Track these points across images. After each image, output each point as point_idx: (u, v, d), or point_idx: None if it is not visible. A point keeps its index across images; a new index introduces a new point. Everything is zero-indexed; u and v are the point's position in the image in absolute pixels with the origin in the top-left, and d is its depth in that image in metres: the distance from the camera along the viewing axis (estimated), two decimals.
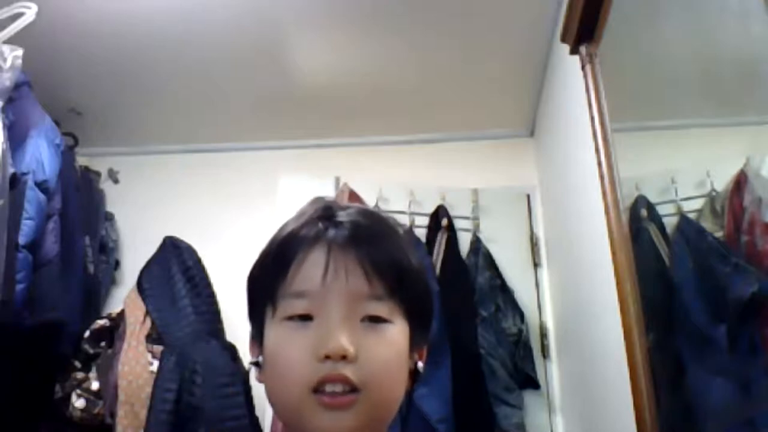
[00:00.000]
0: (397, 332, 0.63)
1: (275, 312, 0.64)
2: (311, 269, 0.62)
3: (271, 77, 2.27)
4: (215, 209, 2.53)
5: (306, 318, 0.62)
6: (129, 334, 1.96)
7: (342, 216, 0.66)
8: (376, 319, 0.62)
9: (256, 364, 0.66)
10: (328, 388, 0.59)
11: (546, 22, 1.96)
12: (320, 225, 0.65)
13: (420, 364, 0.68)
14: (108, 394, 1.88)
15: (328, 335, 0.60)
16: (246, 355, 2.07)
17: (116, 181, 2.64)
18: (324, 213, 0.66)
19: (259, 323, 0.66)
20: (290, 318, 0.62)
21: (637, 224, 1.14)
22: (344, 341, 0.59)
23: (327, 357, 0.59)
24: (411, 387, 0.67)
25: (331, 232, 0.64)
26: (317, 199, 0.70)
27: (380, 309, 0.62)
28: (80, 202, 2.18)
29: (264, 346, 0.65)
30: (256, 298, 0.68)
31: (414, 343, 0.66)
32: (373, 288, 0.62)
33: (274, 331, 0.64)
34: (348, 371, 0.59)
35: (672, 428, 1.03)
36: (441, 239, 2.22)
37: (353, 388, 0.59)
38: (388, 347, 0.62)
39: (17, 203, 1.74)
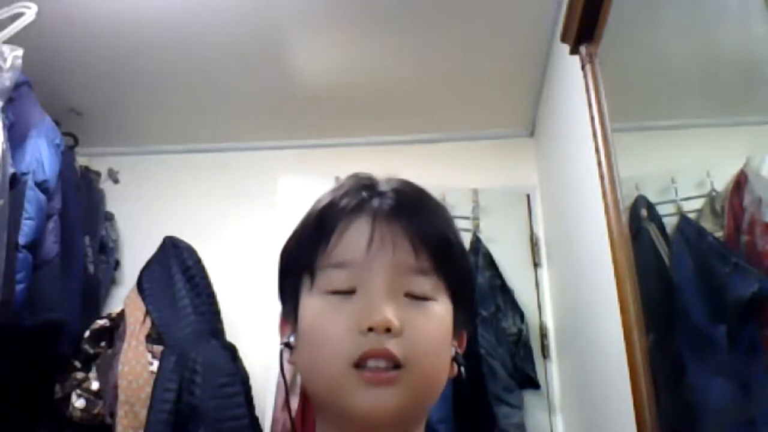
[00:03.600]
0: (441, 309, 0.60)
1: (313, 284, 0.60)
2: (355, 239, 0.59)
3: (271, 77, 2.27)
4: (215, 209, 2.53)
5: (347, 292, 0.59)
6: (129, 334, 1.96)
7: (385, 186, 0.63)
8: (420, 297, 0.59)
9: (288, 344, 0.63)
10: (371, 363, 0.55)
11: (546, 22, 1.96)
12: (364, 194, 0.62)
13: (459, 351, 0.64)
14: (108, 394, 1.88)
15: (372, 307, 0.57)
16: (246, 355, 2.09)
17: (116, 181, 2.64)
18: (367, 182, 0.64)
19: (294, 299, 0.63)
20: (331, 292, 0.59)
21: (637, 224, 1.14)
22: (389, 313, 0.56)
23: (370, 329, 0.56)
24: (454, 375, 0.63)
25: (376, 201, 0.61)
26: (355, 174, 0.67)
27: (425, 284, 0.59)
28: (80, 202, 2.18)
29: (299, 321, 0.61)
30: (290, 272, 0.64)
31: (456, 326, 0.62)
32: (420, 261, 0.59)
33: (312, 304, 0.60)
34: (392, 345, 0.55)
35: (672, 428, 1.03)
36: None
37: (396, 364, 0.55)
38: (434, 323, 0.59)
39: (17, 203, 1.74)
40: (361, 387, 0.55)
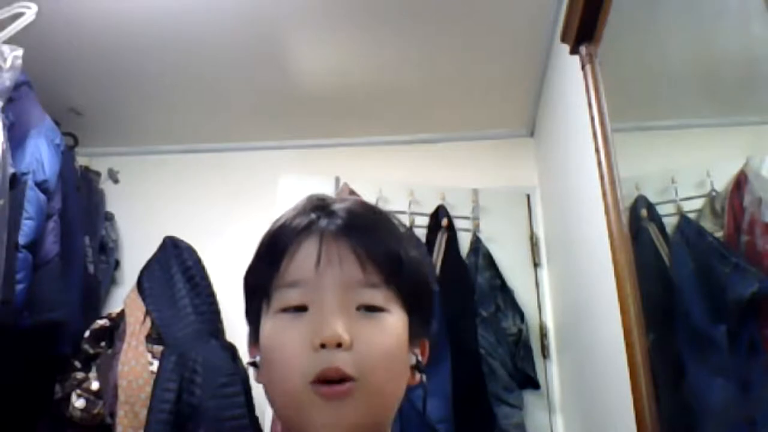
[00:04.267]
0: (394, 321, 0.62)
1: (270, 305, 0.63)
2: (304, 258, 0.62)
3: (271, 77, 2.28)
4: (215, 209, 2.53)
5: (300, 309, 0.61)
6: (129, 334, 1.96)
7: (336, 206, 0.65)
8: (371, 308, 0.61)
9: (254, 364, 0.65)
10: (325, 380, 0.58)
11: (546, 22, 1.96)
12: (312, 215, 0.64)
13: (421, 359, 0.66)
14: (108, 394, 1.88)
15: (323, 323, 0.59)
16: (246, 355, 2.08)
17: (116, 181, 2.64)
18: (318, 204, 0.66)
19: (256, 321, 0.65)
20: (285, 310, 0.61)
21: (637, 224, 1.14)
22: (339, 328, 0.58)
23: (322, 345, 0.58)
24: (416, 383, 0.65)
25: (323, 222, 0.63)
26: (311, 196, 0.69)
27: (375, 297, 0.61)
28: (80, 202, 2.18)
29: (260, 341, 0.63)
30: (251, 296, 0.67)
31: (413, 335, 0.64)
32: (368, 275, 0.61)
33: (269, 325, 0.62)
34: (342, 361, 0.57)
35: (672, 428, 1.03)
36: (441, 239, 2.22)
37: (349, 378, 0.57)
38: (385, 336, 0.61)
39: (17, 203, 1.74)
40: (319, 403, 0.57)
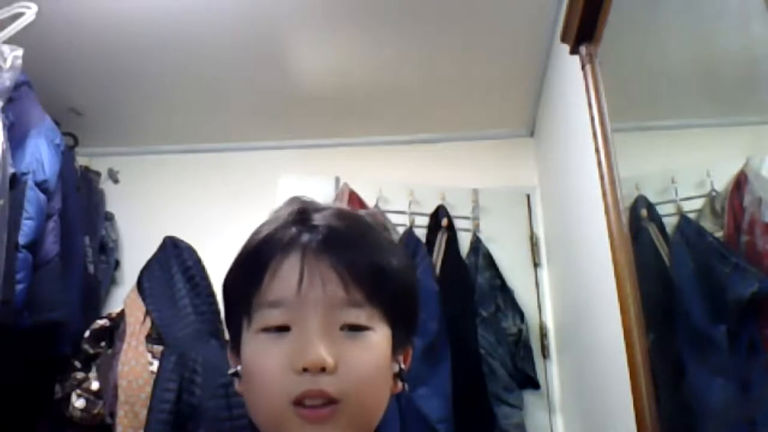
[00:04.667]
0: (378, 339, 0.61)
1: (250, 323, 0.61)
2: (286, 278, 0.60)
3: (271, 77, 2.28)
4: (215, 209, 2.53)
5: (282, 329, 0.59)
6: (129, 334, 1.95)
7: (317, 219, 0.63)
8: (355, 327, 0.60)
9: (236, 374, 0.64)
10: (308, 401, 0.57)
11: (546, 22, 1.96)
12: (293, 229, 0.62)
13: (403, 366, 0.65)
14: (108, 394, 1.88)
15: (306, 347, 0.57)
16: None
17: (116, 181, 2.64)
18: (298, 216, 0.64)
19: (236, 333, 0.64)
20: (266, 329, 0.60)
21: (637, 224, 1.14)
22: (323, 352, 0.57)
23: (305, 369, 0.57)
24: (398, 391, 0.64)
25: (305, 237, 0.61)
26: (292, 200, 0.67)
27: (359, 316, 0.60)
28: (80, 202, 2.18)
29: (242, 356, 0.62)
30: (232, 308, 0.65)
31: (396, 347, 0.64)
32: (351, 295, 0.60)
33: (250, 344, 0.61)
34: (326, 384, 0.57)
35: (672, 428, 1.03)
36: (441, 239, 2.22)
37: (332, 401, 0.57)
38: (369, 355, 0.60)
39: (17, 203, 1.74)
40: (301, 424, 0.57)
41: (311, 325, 0.59)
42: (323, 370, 0.57)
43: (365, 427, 0.61)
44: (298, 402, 0.57)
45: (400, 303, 0.64)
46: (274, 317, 0.60)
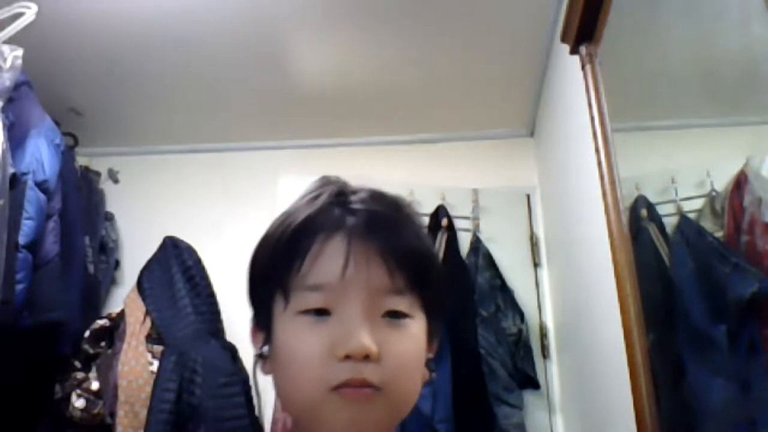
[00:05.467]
0: (417, 327, 0.60)
1: (288, 304, 0.59)
2: (329, 261, 0.58)
3: (271, 77, 2.27)
4: (215, 209, 2.53)
5: (322, 312, 0.58)
6: (129, 334, 1.96)
7: (357, 202, 0.62)
8: (396, 314, 0.59)
9: (261, 356, 0.63)
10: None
11: (546, 22, 1.96)
12: (336, 212, 0.61)
13: (431, 356, 0.65)
14: (108, 394, 1.88)
15: (349, 333, 0.56)
16: (247, 355, 2.08)
17: (116, 181, 2.64)
18: (339, 198, 0.62)
19: (266, 313, 0.62)
20: (305, 312, 0.59)
21: (637, 224, 1.14)
22: (366, 340, 0.56)
23: (348, 357, 0.56)
24: (427, 381, 0.64)
25: (350, 220, 0.60)
26: (326, 180, 0.66)
27: (401, 303, 0.59)
28: (80, 202, 2.18)
29: (274, 340, 0.61)
30: (262, 285, 0.63)
31: (430, 336, 0.63)
32: (395, 281, 0.59)
33: (287, 326, 0.60)
34: (369, 373, 0.56)
35: (672, 428, 1.03)
36: (441, 239, 2.22)
37: (374, 387, 0.56)
38: (410, 344, 0.59)
39: (17, 203, 1.74)
40: (340, 406, 0.56)
41: (354, 311, 0.57)
42: (366, 357, 0.56)
43: (399, 416, 0.60)
44: (339, 387, 0.56)
45: (437, 290, 0.63)
46: (315, 300, 0.58)
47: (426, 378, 0.63)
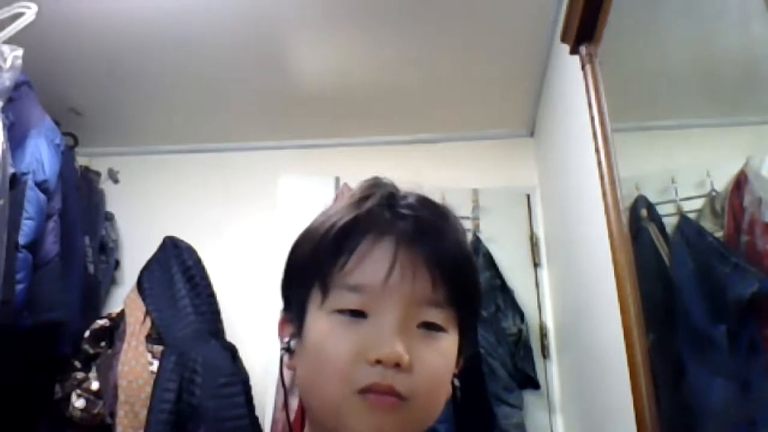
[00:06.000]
0: (450, 342, 0.60)
1: (324, 300, 0.59)
2: (375, 263, 0.58)
3: (271, 77, 2.27)
4: (215, 209, 2.53)
5: (358, 314, 0.57)
6: (129, 334, 1.96)
7: (405, 207, 0.61)
8: (431, 326, 0.58)
9: (288, 349, 0.62)
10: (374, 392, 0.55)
11: (546, 22, 1.96)
12: (386, 215, 0.60)
13: (455, 373, 0.63)
14: (108, 394, 1.88)
15: (383, 338, 0.56)
16: (246, 355, 2.09)
17: (116, 181, 2.64)
18: (389, 201, 0.62)
19: (300, 305, 0.61)
20: (341, 311, 0.58)
21: (637, 224, 1.14)
22: (400, 348, 0.55)
23: (378, 362, 0.55)
24: (450, 395, 0.62)
25: (400, 225, 0.59)
26: (377, 183, 0.65)
27: (438, 316, 0.58)
28: (80, 202, 2.18)
29: (305, 334, 0.60)
30: (300, 279, 0.62)
31: (460, 353, 0.62)
32: (437, 294, 0.58)
33: (320, 321, 0.59)
34: (398, 381, 0.55)
35: (672, 428, 1.03)
36: None
37: (401, 397, 0.55)
38: (442, 358, 0.58)
39: (17, 203, 1.74)
40: (364, 411, 0.55)
41: (391, 317, 0.57)
42: (397, 365, 0.55)
43: (420, 429, 0.59)
44: (364, 391, 0.55)
45: (474, 307, 0.63)
46: (353, 300, 0.58)
47: (449, 395, 0.62)
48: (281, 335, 0.64)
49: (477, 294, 0.63)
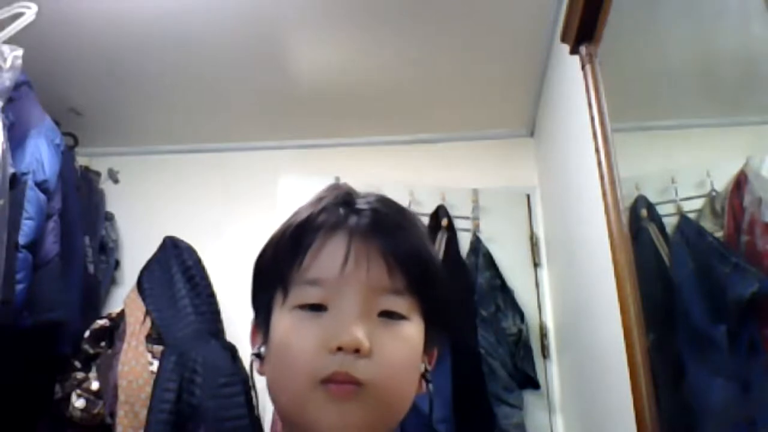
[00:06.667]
0: (413, 330, 0.60)
1: (286, 299, 0.60)
2: (329, 257, 0.59)
3: (271, 77, 2.27)
4: (215, 209, 2.53)
5: (319, 308, 0.59)
6: (129, 334, 1.96)
7: (362, 203, 0.63)
8: (392, 315, 0.59)
9: (258, 355, 0.63)
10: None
11: (546, 22, 1.96)
12: (341, 211, 0.62)
13: (428, 368, 0.64)
14: (108, 394, 1.88)
15: (343, 326, 0.57)
16: (246, 355, 2.08)
17: (116, 181, 2.64)
18: (344, 199, 0.63)
19: (266, 310, 0.63)
20: (302, 306, 0.59)
21: (637, 224, 1.14)
22: (359, 333, 0.56)
23: (339, 349, 0.56)
24: (422, 392, 0.63)
25: (353, 219, 0.61)
26: (335, 186, 0.67)
27: (399, 304, 0.60)
28: (80, 202, 2.18)
29: (270, 334, 0.61)
30: (263, 283, 0.64)
31: (428, 343, 0.63)
32: (394, 281, 0.59)
33: (283, 319, 0.60)
34: (356, 368, 0.56)
35: (672, 428, 1.03)
36: (441, 239, 2.22)
37: (358, 383, 0.56)
38: (403, 346, 0.59)
39: (17, 203, 1.74)
40: (326, 401, 0.56)
41: (350, 307, 0.58)
42: (357, 351, 0.56)
43: (388, 419, 0.60)
44: (326, 381, 0.56)
45: (438, 297, 0.63)
46: (313, 294, 0.59)
47: (422, 390, 0.63)
48: (253, 343, 0.65)
49: (436, 281, 0.63)
